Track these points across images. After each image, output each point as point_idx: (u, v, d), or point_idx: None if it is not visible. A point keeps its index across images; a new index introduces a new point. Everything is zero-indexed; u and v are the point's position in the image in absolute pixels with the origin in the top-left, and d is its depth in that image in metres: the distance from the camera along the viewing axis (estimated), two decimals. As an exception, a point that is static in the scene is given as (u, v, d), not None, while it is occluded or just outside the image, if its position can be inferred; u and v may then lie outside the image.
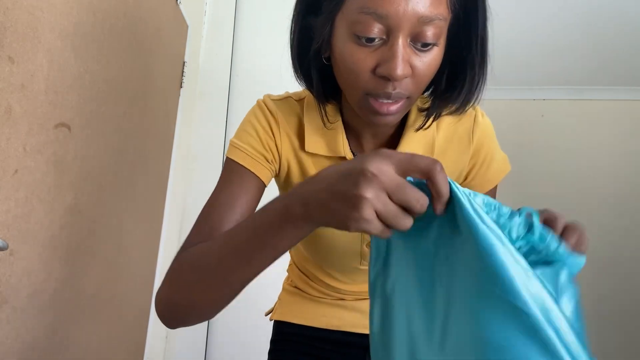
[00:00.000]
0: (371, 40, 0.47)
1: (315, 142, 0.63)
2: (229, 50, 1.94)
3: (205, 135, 1.89)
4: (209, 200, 0.62)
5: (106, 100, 1.13)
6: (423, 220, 0.39)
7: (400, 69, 0.47)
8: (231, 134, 1.89)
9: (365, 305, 0.79)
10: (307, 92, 0.66)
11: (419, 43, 0.48)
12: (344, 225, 0.37)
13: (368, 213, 0.36)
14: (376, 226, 0.37)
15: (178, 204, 1.78)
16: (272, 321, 0.87)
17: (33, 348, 0.90)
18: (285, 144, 0.64)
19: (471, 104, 0.57)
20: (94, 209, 1.12)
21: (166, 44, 1.54)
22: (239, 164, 0.61)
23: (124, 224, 1.30)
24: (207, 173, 1.85)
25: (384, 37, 0.48)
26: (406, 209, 0.37)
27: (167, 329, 1.72)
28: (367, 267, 0.72)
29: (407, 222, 0.37)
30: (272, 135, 0.63)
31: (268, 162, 0.63)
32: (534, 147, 2.65)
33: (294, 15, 0.57)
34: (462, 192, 0.36)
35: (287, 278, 0.89)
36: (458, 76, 0.56)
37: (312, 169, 0.65)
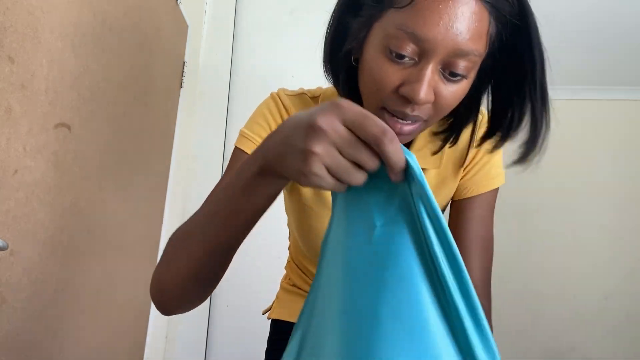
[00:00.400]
0: (402, 57, 0.47)
1: None
2: (229, 50, 1.94)
3: (205, 135, 1.89)
4: (215, 189, 0.61)
5: (106, 100, 1.13)
6: (379, 178, 0.37)
7: (424, 93, 0.46)
8: (231, 134, 1.89)
9: None
10: (322, 91, 0.66)
11: (448, 72, 0.47)
12: (297, 180, 0.37)
13: (317, 168, 0.35)
14: (328, 181, 0.36)
15: (178, 204, 1.77)
16: (270, 320, 0.88)
17: (33, 348, 0.90)
18: None
19: (533, 153, 0.54)
20: (94, 209, 1.12)
21: (166, 44, 1.54)
22: (247, 153, 0.60)
23: (124, 224, 1.30)
24: (207, 173, 1.85)
25: (416, 58, 0.47)
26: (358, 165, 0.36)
27: (167, 329, 1.72)
28: None
29: (359, 177, 0.36)
30: None
31: None
32: (534, 147, 2.65)
33: (334, 10, 0.56)
34: (419, 174, 0.34)
35: (285, 276, 0.89)
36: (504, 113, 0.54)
37: None
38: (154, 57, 1.44)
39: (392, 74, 0.48)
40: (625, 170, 2.63)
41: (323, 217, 0.67)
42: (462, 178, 0.66)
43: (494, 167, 0.66)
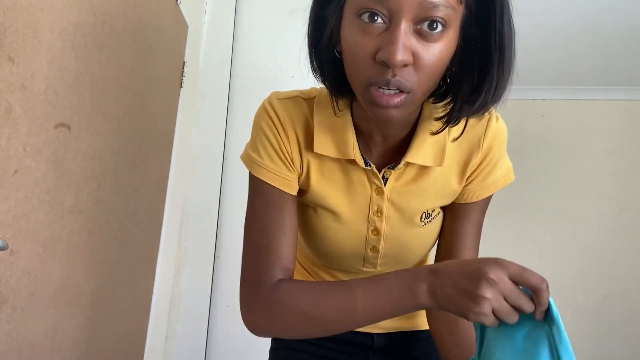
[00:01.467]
0: (374, 20, 0.47)
1: (323, 143, 0.62)
2: (229, 50, 1.94)
3: (205, 135, 1.89)
4: (255, 225, 0.64)
5: (106, 100, 1.13)
6: (523, 316, 0.48)
7: (399, 54, 0.45)
8: (231, 134, 1.89)
9: None
10: (318, 92, 0.66)
11: (423, 26, 0.46)
12: (464, 315, 0.47)
13: (487, 309, 0.45)
14: (490, 319, 0.46)
15: (178, 204, 1.78)
16: None
17: (33, 348, 0.90)
18: (293, 146, 0.63)
19: (489, 107, 0.54)
20: (94, 209, 1.12)
21: (166, 44, 1.55)
22: (270, 185, 0.63)
23: (124, 224, 1.30)
24: (207, 173, 1.85)
25: (387, 21, 0.47)
26: (515, 308, 0.46)
27: (167, 329, 1.73)
28: (369, 270, 0.73)
29: (515, 317, 0.46)
30: (284, 145, 0.63)
31: (292, 173, 0.64)
32: (534, 147, 2.65)
33: (310, 9, 0.57)
34: (556, 313, 0.45)
35: None
36: (481, 79, 0.53)
37: (316, 172, 0.64)
38: (154, 57, 1.44)
39: (367, 43, 0.48)
40: (624, 170, 2.63)
41: (326, 220, 0.67)
42: (468, 182, 0.66)
43: (499, 169, 0.65)
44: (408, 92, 0.49)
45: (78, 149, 1.02)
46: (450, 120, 0.56)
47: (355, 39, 0.49)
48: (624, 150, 2.65)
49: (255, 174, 0.64)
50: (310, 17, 0.58)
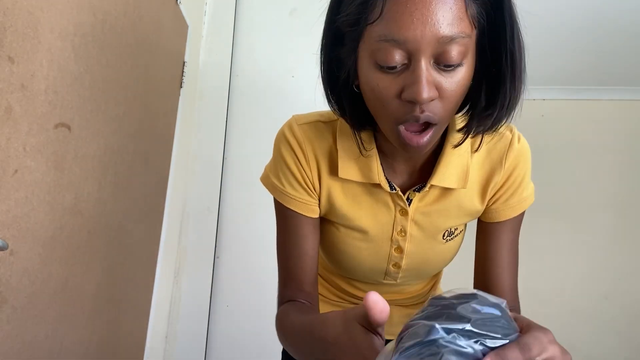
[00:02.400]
0: (392, 67, 0.47)
1: (348, 168, 0.63)
2: (229, 50, 1.94)
3: (205, 135, 1.89)
4: (280, 248, 0.69)
5: (106, 100, 1.13)
6: None
7: (425, 92, 0.46)
8: (231, 134, 1.89)
9: None
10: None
11: (443, 63, 0.47)
12: None
13: None
14: None
15: (178, 204, 1.78)
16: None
17: (33, 348, 0.90)
18: (314, 172, 0.65)
19: (503, 122, 0.55)
20: (94, 209, 1.12)
21: (166, 44, 1.55)
22: (292, 210, 0.65)
23: (124, 224, 1.30)
24: (207, 173, 1.85)
25: (406, 62, 0.47)
26: None
27: (167, 328, 1.73)
28: (389, 282, 0.74)
29: None
30: (305, 172, 0.65)
31: (313, 197, 0.65)
32: (534, 147, 2.64)
33: (321, 48, 0.57)
34: None
35: None
36: (494, 95, 0.53)
37: (339, 194, 0.65)
38: (154, 57, 1.44)
39: (391, 85, 0.48)
40: (624, 170, 2.63)
41: (349, 238, 0.69)
42: (492, 202, 0.66)
43: (525, 189, 0.66)
44: (436, 124, 0.50)
45: (78, 149, 1.02)
46: (469, 130, 0.57)
47: (376, 82, 0.49)
48: (624, 150, 2.65)
49: (278, 200, 0.67)
50: (323, 57, 0.58)
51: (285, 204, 0.66)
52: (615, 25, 2.13)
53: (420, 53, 0.45)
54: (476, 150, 0.62)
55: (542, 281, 2.51)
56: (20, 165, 0.82)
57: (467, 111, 0.58)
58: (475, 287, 0.71)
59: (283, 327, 0.61)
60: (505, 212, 0.66)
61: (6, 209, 0.80)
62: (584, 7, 2.04)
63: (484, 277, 0.68)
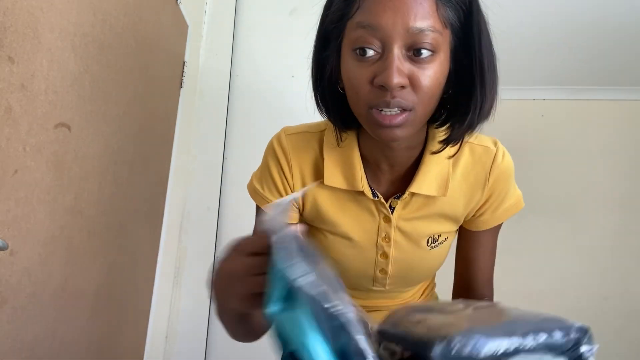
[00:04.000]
0: (367, 51, 0.50)
1: (334, 176, 0.65)
2: (229, 50, 1.94)
3: (205, 135, 1.88)
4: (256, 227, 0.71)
5: (106, 100, 1.13)
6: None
7: (395, 77, 0.49)
8: (231, 134, 1.89)
9: (377, 315, 0.80)
10: (327, 125, 0.69)
11: (413, 52, 0.50)
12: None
13: None
14: None
15: (178, 204, 1.78)
16: None
17: (33, 348, 0.90)
18: (296, 181, 0.67)
19: (476, 125, 0.57)
20: (94, 209, 1.12)
21: (166, 43, 1.55)
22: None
23: (124, 224, 1.30)
24: (207, 173, 1.85)
25: (380, 50, 0.50)
26: None
27: (167, 328, 1.73)
28: (379, 288, 0.75)
29: None
30: (287, 181, 0.67)
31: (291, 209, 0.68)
32: (534, 147, 2.64)
33: (313, 53, 0.61)
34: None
35: None
36: (467, 100, 0.56)
37: (326, 201, 0.68)
38: (154, 57, 1.44)
39: (365, 72, 0.52)
40: (624, 170, 2.63)
41: (336, 244, 0.70)
42: (479, 214, 0.69)
43: (509, 200, 0.68)
44: (410, 110, 0.52)
45: (78, 149, 1.02)
46: (449, 141, 0.60)
47: (353, 70, 0.53)
48: (624, 150, 2.64)
49: (256, 203, 0.71)
50: (313, 61, 0.62)
51: (261, 207, 0.70)
52: (615, 25, 2.13)
53: (392, 41, 0.49)
54: (453, 156, 0.64)
55: (542, 281, 2.51)
56: (20, 166, 0.82)
57: (447, 120, 0.60)
58: (455, 284, 0.77)
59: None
60: (490, 222, 0.69)
61: (6, 209, 0.80)
62: (584, 7, 2.04)
63: (463, 279, 0.73)
